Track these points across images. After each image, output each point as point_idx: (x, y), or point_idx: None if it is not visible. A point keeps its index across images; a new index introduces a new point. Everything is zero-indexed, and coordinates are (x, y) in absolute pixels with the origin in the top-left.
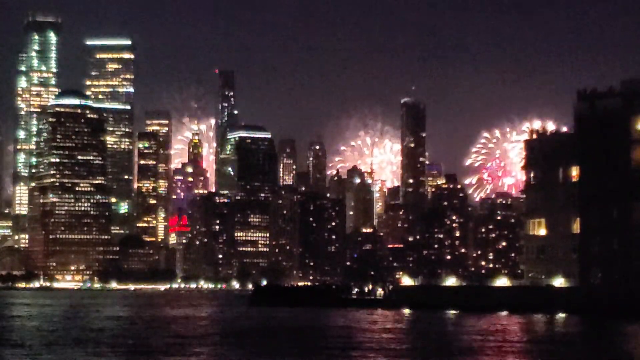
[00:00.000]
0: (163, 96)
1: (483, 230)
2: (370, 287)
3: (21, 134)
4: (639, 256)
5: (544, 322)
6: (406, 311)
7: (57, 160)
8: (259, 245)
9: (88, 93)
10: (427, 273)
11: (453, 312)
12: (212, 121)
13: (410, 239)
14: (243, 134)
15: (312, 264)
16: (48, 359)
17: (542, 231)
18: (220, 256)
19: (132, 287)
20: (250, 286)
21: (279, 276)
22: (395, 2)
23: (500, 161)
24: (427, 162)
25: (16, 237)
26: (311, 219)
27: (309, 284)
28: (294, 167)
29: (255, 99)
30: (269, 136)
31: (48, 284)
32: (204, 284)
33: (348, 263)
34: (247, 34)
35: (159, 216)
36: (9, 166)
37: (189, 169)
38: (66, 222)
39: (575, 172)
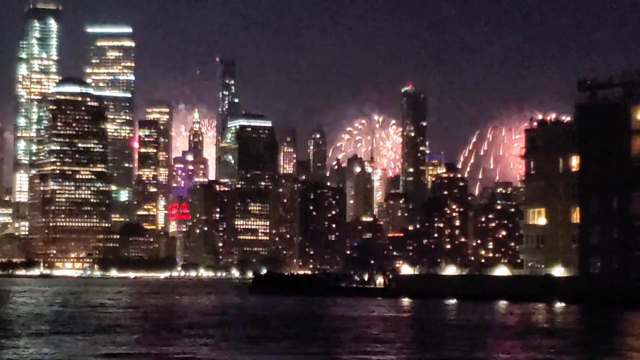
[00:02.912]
0: (164, 84)
1: (483, 219)
2: (370, 276)
3: (21, 122)
4: (638, 245)
5: (543, 312)
6: (406, 300)
7: (58, 147)
8: (259, 234)
9: (89, 81)
10: (427, 262)
11: (452, 301)
12: (213, 109)
13: (410, 228)
14: (244, 122)
15: (312, 252)
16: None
17: (542, 220)
18: (221, 244)
19: (132, 275)
20: (250, 275)
21: (279, 265)
22: None
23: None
24: (427, 152)
25: (16, 225)
26: (311, 207)
27: (309, 272)
28: (295, 155)
29: (256, 88)
30: (270, 125)
31: (48, 271)
32: (204, 273)
33: (348, 252)
34: (248, 22)
35: (159, 204)
36: (9, 154)
37: (190, 157)
38: (66, 209)
39: (575, 161)
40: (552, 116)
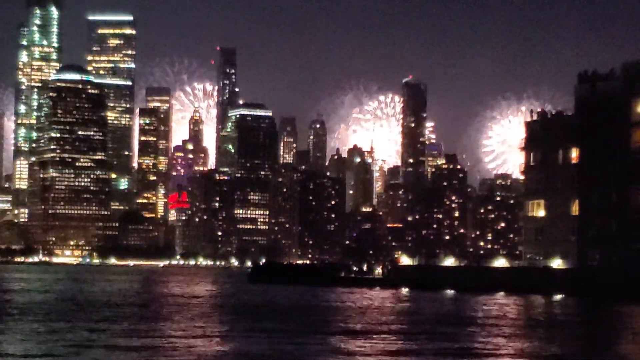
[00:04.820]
0: (164, 73)
1: (482, 210)
2: (369, 266)
3: (22, 109)
4: (637, 238)
5: (541, 303)
6: (404, 290)
7: (58, 135)
8: (259, 223)
9: (89, 68)
10: (426, 253)
11: (451, 292)
12: (213, 98)
13: (410, 218)
14: (244, 111)
15: (311, 242)
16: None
17: (541, 212)
18: (220, 233)
19: (131, 263)
20: (249, 264)
21: (277, 254)
22: None
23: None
24: (427, 142)
25: (16, 212)
26: (311, 197)
27: (308, 262)
28: (295, 145)
29: (256, 77)
30: (270, 114)
31: (47, 258)
32: (202, 261)
33: (347, 242)
34: (249, 11)
35: (159, 193)
36: (9, 141)
37: (190, 146)
38: (66, 197)
39: (575, 154)
40: (551, 108)
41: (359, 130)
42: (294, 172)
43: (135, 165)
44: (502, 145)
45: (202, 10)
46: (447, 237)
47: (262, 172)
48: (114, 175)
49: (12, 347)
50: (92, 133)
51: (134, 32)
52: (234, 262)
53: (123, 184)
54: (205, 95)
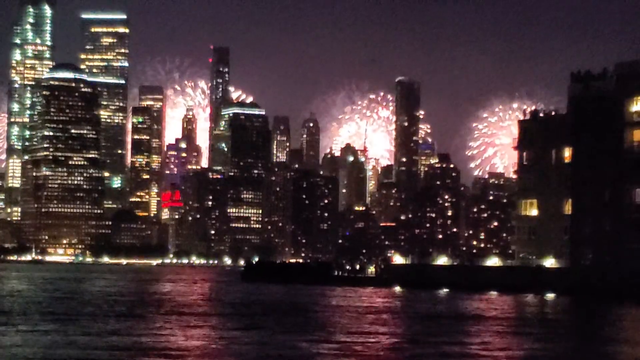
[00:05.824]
0: (157, 71)
1: (475, 209)
2: (362, 265)
3: (15, 107)
4: (630, 238)
5: (534, 302)
6: (397, 289)
7: (51, 133)
8: (252, 222)
9: (82, 67)
10: (419, 252)
11: (444, 291)
12: (207, 97)
13: (403, 217)
14: (237, 110)
15: (304, 241)
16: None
17: (534, 212)
18: (213, 232)
19: (124, 261)
20: (242, 262)
21: (270, 253)
22: None
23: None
24: (420, 141)
25: (8, 210)
26: (304, 196)
27: (301, 261)
28: (288, 144)
29: (249, 76)
30: (263, 113)
31: (40, 257)
32: (195, 260)
33: (340, 241)
34: (242, 10)
35: (152, 191)
36: (2, 139)
37: (183, 145)
38: (59, 195)
39: (568, 153)
40: (543, 107)
41: (351, 129)
42: (287, 171)
43: (128, 163)
44: (495, 144)
45: (196, 9)
46: (440, 236)
47: (255, 171)
48: (107, 174)
49: None
50: (85, 131)
51: (127, 30)
52: (227, 260)
53: (116, 182)
54: (197, 93)
